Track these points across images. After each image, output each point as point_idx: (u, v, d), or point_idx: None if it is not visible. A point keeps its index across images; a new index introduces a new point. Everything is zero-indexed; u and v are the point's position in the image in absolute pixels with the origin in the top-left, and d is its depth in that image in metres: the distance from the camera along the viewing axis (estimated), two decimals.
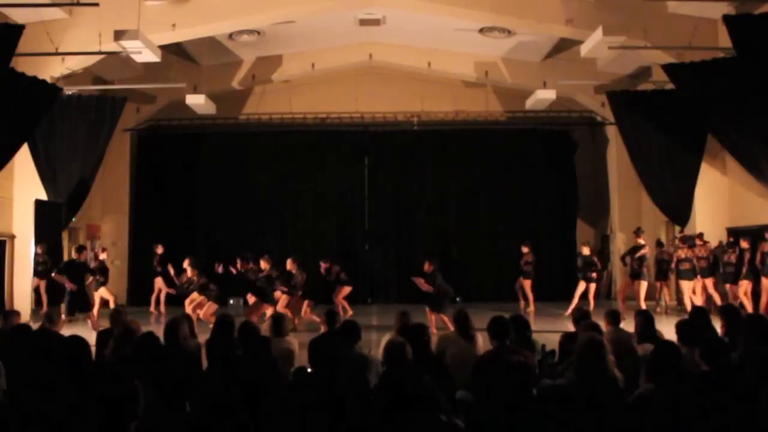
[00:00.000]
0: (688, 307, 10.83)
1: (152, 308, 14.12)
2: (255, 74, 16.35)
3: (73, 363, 3.81)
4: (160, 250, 14.22)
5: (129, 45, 11.11)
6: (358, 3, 13.29)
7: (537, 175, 17.03)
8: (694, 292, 12.31)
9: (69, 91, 13.29)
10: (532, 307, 13.40)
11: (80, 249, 11.47)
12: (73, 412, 3.36)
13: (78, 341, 4.04)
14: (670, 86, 12.71)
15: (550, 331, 9.21)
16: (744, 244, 11.79)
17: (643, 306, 10.72)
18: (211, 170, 17.09)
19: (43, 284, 12.97)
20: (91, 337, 4.92)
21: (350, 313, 12.47)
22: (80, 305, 11.15)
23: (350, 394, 3.61)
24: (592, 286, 12.78)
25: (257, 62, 16.26)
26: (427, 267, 10.99)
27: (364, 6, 13.41)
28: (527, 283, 13.72)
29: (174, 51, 14.77)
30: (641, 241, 11.71)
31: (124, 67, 14.29)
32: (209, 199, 17.04)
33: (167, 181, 16.85)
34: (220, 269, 12.24)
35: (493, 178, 17.19)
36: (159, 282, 14.22)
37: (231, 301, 15.36)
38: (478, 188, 17.23)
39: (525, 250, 13.88)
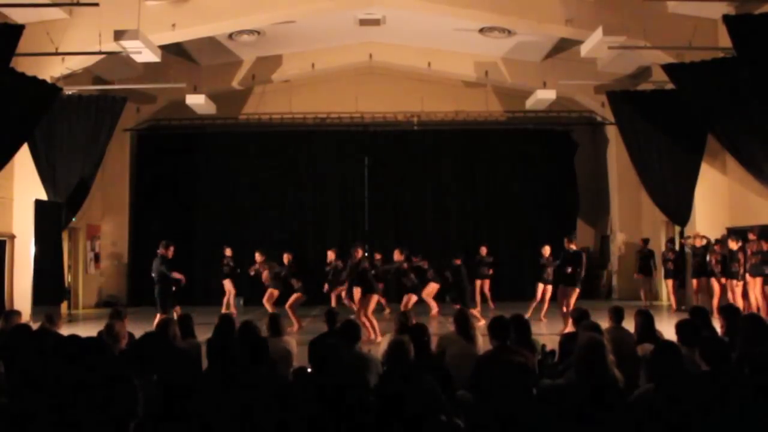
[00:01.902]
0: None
1: (224, 309, 13.45)
2: (255, 74, 16.35)
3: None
4: (229, 252, 13.99)
5: (129, 45, 11.12)
6: (358, 3, 13.29)
7: (537, 176, 17.04)
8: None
9: (69, 91, 13.28)
10: (477, 308, 13.05)
11: (167, 244, 10.95)
12: (74, 411, 3.36)
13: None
14: (670, 86, 12.70)
15: (546, 334, 9.20)
16: (733, 245, 11.78)
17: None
18: (211, 170, 17.11)
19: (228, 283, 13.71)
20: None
21: (435, 311, 12.64)
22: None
23: (350, 394, 3.61)
24: (541, 287, 12.51)
25: (257, 62, 16.26)
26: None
27: (364, 6, 13.41)
28: (486, 284, 13.96)
29: (174, 51, 14.77)
30: (573, 247, 11.35)
31: (124, 67, 14.28)
32: (209, 199, 17.06)
33: (167, 180, 16.85)
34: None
35: (493, 178, 17.22)
36: (228, 284, 14.01)
37: None
38: (477, 188, 17.26)
39: (484, 251, 13.94)
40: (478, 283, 14.05)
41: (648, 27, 12.04)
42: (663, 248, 14.70)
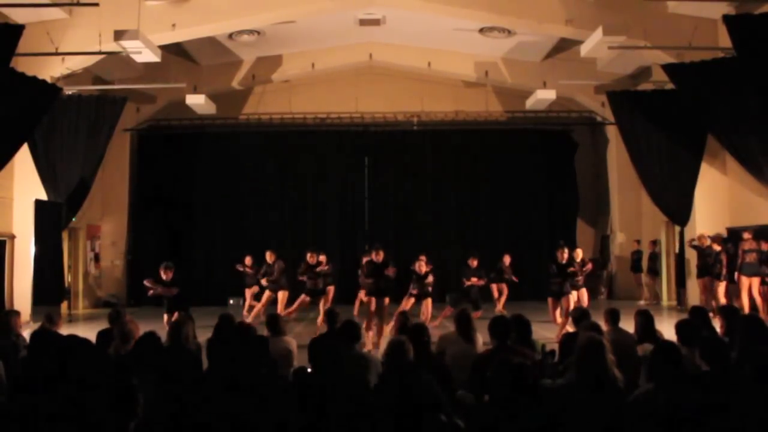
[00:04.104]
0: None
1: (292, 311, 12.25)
2: (255, 74, 16.35)
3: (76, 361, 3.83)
4: (270, 258, 12.54)
5: (129, 45, 11.10)
6: (358, 3, 13.29)
7: (537, 175, 17.04)
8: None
9: (69, 91, 13.28)
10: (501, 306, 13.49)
11: (168, 266, 10.47)
12: (74, 411, 3.36)
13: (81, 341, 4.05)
14: (670, 86, 12.70)
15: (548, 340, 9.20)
16: (716, 246, 12.09)
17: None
18: (211, 170, 17.10)
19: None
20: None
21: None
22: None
23: (350, 394, 3.60)
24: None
25: (257, 62, 16.26)
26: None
27: (364, 6, 13.41)
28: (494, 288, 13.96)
29: (174, 51, 14.77)
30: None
31: (124, 67, 14.29)
32: (209, 199, 17.05)
33: (167, 181, 16.85)
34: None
35: (493, 178, 17.20)
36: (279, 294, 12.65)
37: (231, 301, 15.37)
38: (478, 188, 17.25)
39: (507, 260, 13.92)
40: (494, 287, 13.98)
41: (648, 27, 12.04)
42: (649, 248, 15.68)
